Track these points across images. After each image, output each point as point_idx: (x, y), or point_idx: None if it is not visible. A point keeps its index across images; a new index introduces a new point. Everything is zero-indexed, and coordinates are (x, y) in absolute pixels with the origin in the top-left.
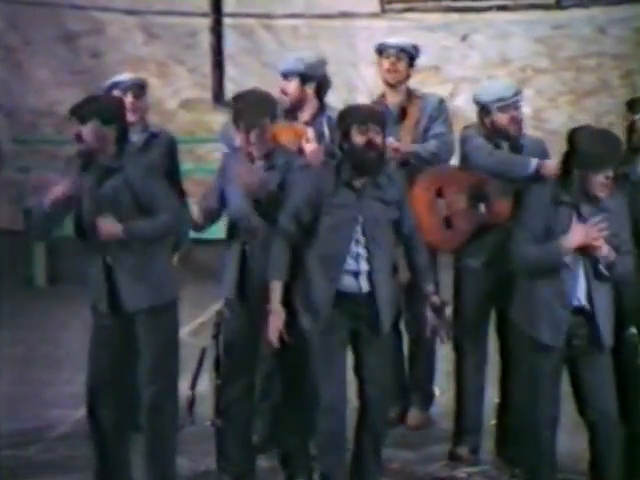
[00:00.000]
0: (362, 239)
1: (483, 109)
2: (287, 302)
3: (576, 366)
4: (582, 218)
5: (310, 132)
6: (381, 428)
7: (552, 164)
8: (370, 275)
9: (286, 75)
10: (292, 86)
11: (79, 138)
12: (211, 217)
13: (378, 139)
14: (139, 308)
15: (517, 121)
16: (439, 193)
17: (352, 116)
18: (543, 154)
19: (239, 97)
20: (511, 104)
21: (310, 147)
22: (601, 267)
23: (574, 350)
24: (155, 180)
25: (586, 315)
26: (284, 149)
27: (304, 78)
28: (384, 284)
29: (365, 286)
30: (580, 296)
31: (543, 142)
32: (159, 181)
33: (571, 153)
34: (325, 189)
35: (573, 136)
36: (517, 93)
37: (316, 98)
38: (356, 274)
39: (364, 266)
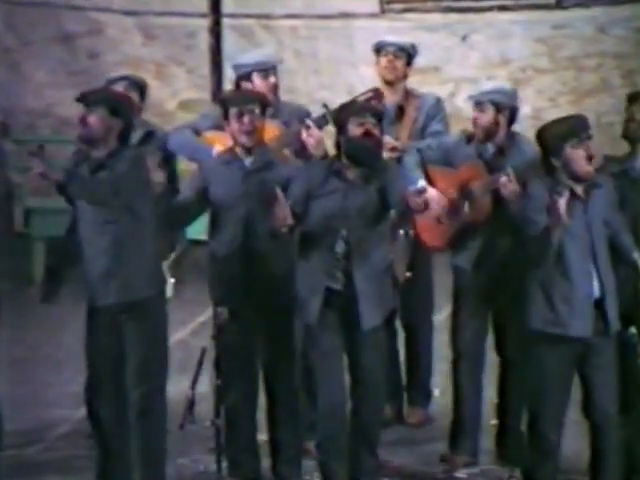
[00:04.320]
0: (344, 232)
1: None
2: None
3: (584, 366)
4: (577, 198)
5: (310, 121)
6: (375, 427)
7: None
8: (351, 272)
9: (270, 69)
10: (274, 80)
11: (83, 122)
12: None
13: (375, 131)
14: (107, 303)
15: (477, 123)
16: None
17: (349, 109)
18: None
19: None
20: (478, 104)
21: (314, 134)
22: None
23: (585, 348)
24: (139, 181)
25: (598, 305)
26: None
27: (275, 71)
28: (366, 276)
29: (347, 283)
30: (595, 286)
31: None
32: (139, 173)
33: (544, 149)
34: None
35: (538, 133)
36: (484, 94)
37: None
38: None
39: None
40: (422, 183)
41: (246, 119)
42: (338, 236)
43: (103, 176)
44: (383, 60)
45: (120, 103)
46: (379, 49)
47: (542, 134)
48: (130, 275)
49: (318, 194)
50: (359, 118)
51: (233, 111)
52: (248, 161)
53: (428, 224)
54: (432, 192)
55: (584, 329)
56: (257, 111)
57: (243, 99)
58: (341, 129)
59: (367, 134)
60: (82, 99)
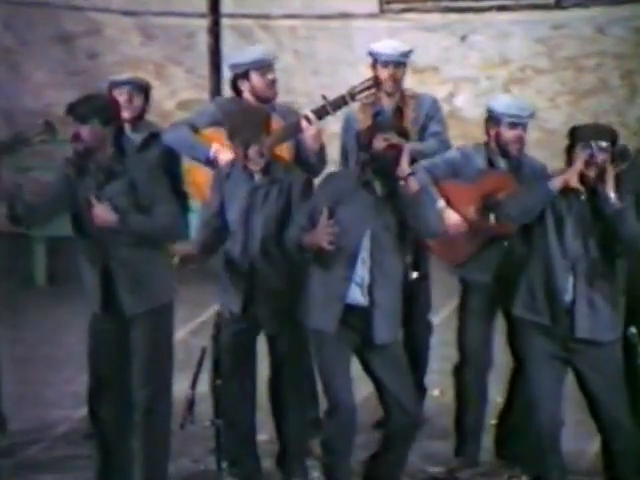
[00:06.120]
0: (367, 242)
1: (493, 119)
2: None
3: (580, 367)
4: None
5: (311, 114)
6: (407, 437)
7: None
8: (371, 286)
9: (267, 66)
10: (272, 76)
11: (77, 138)
12: (219, 238)
13: (399, 144)
14: (137, 312)
15: (521, 141)
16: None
17: (375, 127)
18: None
19: (234, 114)
20: (522, 124)
21: (312, 127)
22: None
23: (575, 347)
24: (158, 183)
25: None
26: (280, 161)
27: (273, 67)
28: (385, 294)
29: (365, 297)
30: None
31: (545, 168)
32: (162, 185)
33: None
34: (344, 193)
35: None
36: (531, 115)
37: None
38: (359, 283)
39: (366, 275)
40: (441, 204)
41: (252, 151)
42: (362, 246)
43: (119, 185)
44: (384, 72)
45: (110, 109)
46: (377, 58)
47: None
48: (155, 283)
49: (345, 203)
50: (384, 134)
51: (238, 141)
52: (257, 176)
53: (442, 240)
54: (452, 216)
55: (556, 322)
56: (264, 137)
57: (248, 131)
58: (367, 146)
59: (391, 147)
60: (71, 113)
